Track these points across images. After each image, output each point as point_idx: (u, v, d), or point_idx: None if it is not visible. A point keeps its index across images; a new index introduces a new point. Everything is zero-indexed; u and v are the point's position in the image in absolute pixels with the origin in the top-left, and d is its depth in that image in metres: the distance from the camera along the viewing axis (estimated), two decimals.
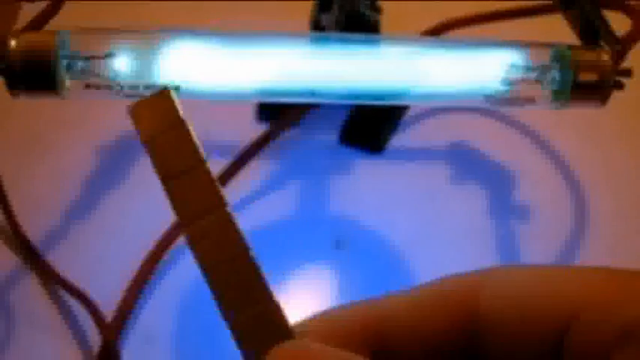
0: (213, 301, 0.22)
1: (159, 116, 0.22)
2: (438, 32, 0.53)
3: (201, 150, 0.22)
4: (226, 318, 0.21)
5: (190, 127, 0.22)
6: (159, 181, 0.22)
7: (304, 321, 0.22)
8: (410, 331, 0.21)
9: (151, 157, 0.22)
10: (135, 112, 0.22)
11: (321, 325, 0.22)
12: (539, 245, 0.52)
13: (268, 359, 0.20)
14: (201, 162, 0.22)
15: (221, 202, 0.22)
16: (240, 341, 0.21)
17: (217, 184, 0.22)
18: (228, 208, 0.22)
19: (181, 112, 0.22)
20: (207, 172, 0.22)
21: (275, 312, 0.21)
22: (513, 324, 0.20)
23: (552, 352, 0.19)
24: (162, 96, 0.22)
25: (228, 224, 0.22)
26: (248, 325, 0.21)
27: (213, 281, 0.21)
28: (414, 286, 0.22)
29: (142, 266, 0.49)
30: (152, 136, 0.22)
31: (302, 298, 0.49)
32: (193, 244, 0.21)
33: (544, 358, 0.20)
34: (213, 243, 0.21)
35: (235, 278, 0.21)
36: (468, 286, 0.22)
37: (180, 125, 0.22)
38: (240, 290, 0.21)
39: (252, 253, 0.21)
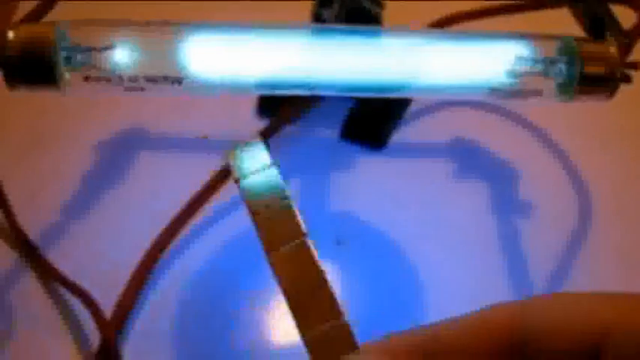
0: (292, 319, 0.24)
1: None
2: (443, 26, 0.53)
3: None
4: (301, 332, 0.24)
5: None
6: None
7: (365, 343, 0.24)
8: (456, 354, 0.23)
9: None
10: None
11: (383, 344, 0.24)
12: (542, 241, 0.52)
13: None
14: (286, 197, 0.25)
15: (301, 232, 0.25)
16: (312, 354, 0.23)
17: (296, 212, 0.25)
18: (306, 236, 0.25)
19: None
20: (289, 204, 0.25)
21: (346, 330, 0.23)
22: (552, 346, 0.22)
23: None
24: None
25: (307, 248, 0.24)
26: (320, 339, 0.23)
27: (291, 300, 0.24)
28: (462, 315, 0.24)
29: (141, 264, 0.49)
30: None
31: None
32: (275, 267, 0.24)
33: None
34: (292, 265, 0.24)
35: (311, 297, 0.24)
36: (512, 314, 0.23)
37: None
38: (315, 308, 0.24)
39: (326, 274, 0.24)
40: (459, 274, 0.50)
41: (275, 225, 0.24)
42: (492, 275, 0.50)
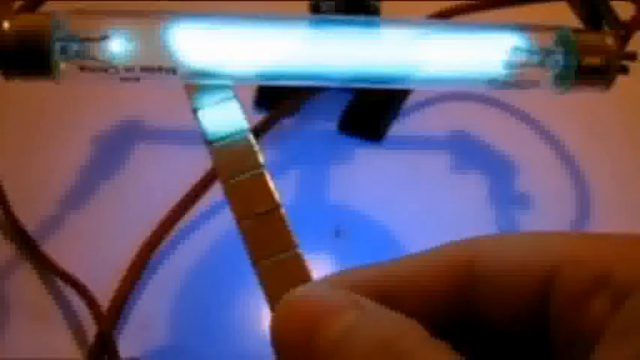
0: (244, 248, 0.24)
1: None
2: (440, 18, 0.53)
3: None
4: (254, 261, 0.24)
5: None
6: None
7: (317, 280, 0.24)
8: (412, 289, 0.23)
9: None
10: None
11: (334, 280, 0.24)
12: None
13: (284, 299, 0.22)
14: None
15: (258, 165, 0.25)
16: (264, 282, 0.24)
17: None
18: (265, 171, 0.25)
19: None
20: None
21: (298, 260, 0.24)
22: (504, 281, 0.22)
23: (539, 306, 0.21)
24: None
25: (263, 181, 0.25)
26: (273, 269, 0.24)
27: (245, 229, 0.24)
28: (418, 251, 0.24)
29: (137, 256, 0.49)
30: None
31: None
32: (231, 196, 0.25)
33: (532, 312, 0.22)
34: (246, 195, 0.24)
35: (265, 228, 0.24)
36: (464, 248, 0.23)
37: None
38: (270, 239, 0.24)
39: (282, 206, 0.25)
40: None
41: (232, 159, 0.25)
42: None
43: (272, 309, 0.23)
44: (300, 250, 0.24)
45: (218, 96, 0.30)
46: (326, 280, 0.24)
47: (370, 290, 0.23)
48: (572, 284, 0.21)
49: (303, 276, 0.24)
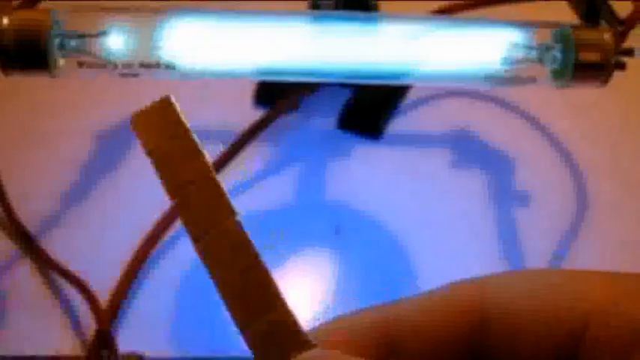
0: (227, 312, 0.21)
1: (162, 126, 0.22)
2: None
3: (208, 158, 0.22)
4: (240, 328, 0.21)
5: (194, 135, 0.22)
6: (165, 192, 0.22)
7: (318, 327, 0.22)
8: (419, 336, 0.22)
9: (156, 168, 0.22)
10: (137, 122, 0.22)
11: (335, 332, 0.22)
12: (539, 231, 0.52)
13: None
14: (208, 172, 0.22)
15: (230, 213, 0.21)
16: (256, 351, 0.21)
17: (226, 193, 0.22)
18: (238, 218, 0.21)
19: (185, 121, 0.22)
20: (216, 183, 0.22)
21: (289, 320, 0.21)
22: (518, 328, 0.21)
23: (568, 354, 0.20)
24: (164, 104, 0.22)
25: (238, 234, 0.21)
26: (262, 334, 0.21)
27: (225, 292, 0.21)
28: (423, 293, 0.22)
29: (137, 252, 0.49)
30: (156, 147, 0.22)
31: (301, 285, 0.49)
32: (205, 255, 0.21)
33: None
34: (224, 254, 0.21)
35: (248, 288, 0.21)
36: (475, 291, 0.22)
37: (184, 135, 0.22)
38: (253, 299, 0.21)
39: (264, 262, 0.21)
40: (457, 263, 0.50)
41: (200, 206, 0.22)
42: (490, 264, 0.50)
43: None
44: (290, 308, 0.21)
45: None
46: (332, 330, 0.22)
47: (377, 338, 0.22)
48: (608, 339, 0.19)
49: (298, 338, 0.21)
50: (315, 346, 0.21)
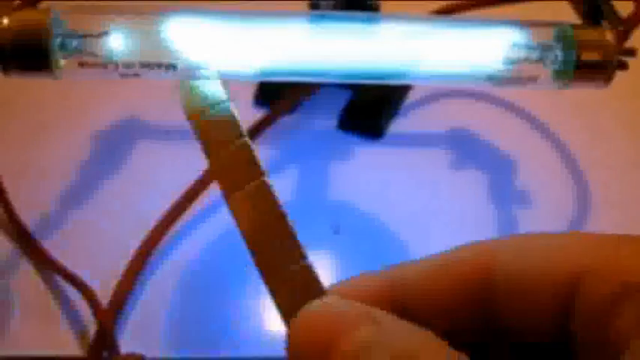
0: (251, 262, 0.23)
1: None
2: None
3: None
4: (263, 276, 0.23)
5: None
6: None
7: (331, 285, 0.24)
8: (427, 296, 0.23)
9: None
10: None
11: (346, 288, 0.23)
12: (540, 230, 0.52)
13: (301, 313, 0.22)
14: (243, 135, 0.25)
15: (260, 173, 0.24)
16: (277, 299, 0.23)
17: (257, 157, 0.24)
18: (266, 178, 0.24)
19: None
20: (250, 147, 0.24)
21: (308, 272, 0.23)
22: (523, 288, 0.21)
23: (561, 314, 0.21)
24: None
25: (266, 191, 0.24)
26: (285, 282, 0.23)
27: (251, 242, 0.23)
28: (429, 256, 0.24)
29: (138, 252, 0.49)
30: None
31: None
32: (234, 209, 0.24)
33: (555, 322, 0.21)
34: (252, 208, 0.24)
35: (273, 240, 0.23)
36: (481, 254, 0.23)
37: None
38: (277, 251, 0.23)
39: (289, 218, 0.24)
40: None
41: (232, 166, 0.24)
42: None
43: (285, 325, 0.23)
44: (310, 261, 0.23)
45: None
46: (342, 288, 0.23)
47: (385, 299, 0.23)
48: (597, 293, 0.20)
49: (315, 288, 0.23)
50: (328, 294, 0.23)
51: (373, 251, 0.51)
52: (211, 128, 0.25)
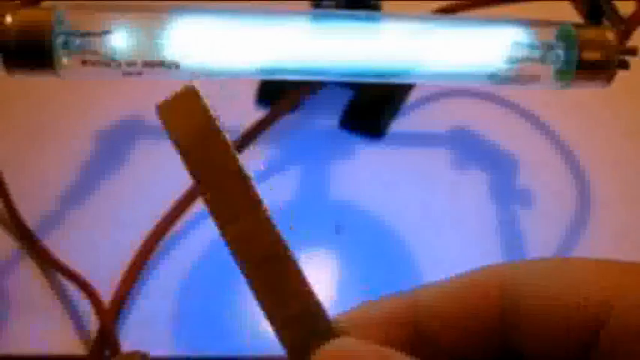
0: (256, 302, 0.22)
1: (187, 114, 0.22)
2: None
3: (235, 153, 0.22)
4: (269, 317, 0.22)
5: (219, 123, 0.22)
6: (192, 181, 0.22)
7: (342, 315, 0.23)
8: (445, 322, 0.22)
9: (182, 158, 0.22)
10: (163, 111, 0.22)
11: (360, 321, 0.22)
12: (541, 230, 0.52)
13: (317, 352, 0.21)
14: (235, 164, 0.22)
15: (258, 203, 0.22)
16: (284, 340, 0.21)
17: (253, 184, 0.22)
18: (265, 209, 0.22)
19: (210, 109, 0.22)
20: (244, 175, 0.22)
21: (317, 309, 0.21)
22: (545, 316, 0.21)
23: (585, 344, 0.20)
24: (188, 93, 0.22)
25: (266, 224, 0.22)
26: (290, 322, 0.21)
27: (254, 281, 0.22)
28: (449, 279, 0.23)
29: (140, 251, 0.49)
30: (183, 136, 0.22)
31: None
32: (233, 246, 0.22)
33: (577, 350, 0.20)
34: (252, 243, 0.22)
35: (276, 277, 0.22)
36: (499, 276, 0.22)
37: (209, 123, 0.22)
38: (281, 289, 0.22)
39: (292, 251, 0.22)
40: (458, 262, 0.50)
41: (227, 196, 0.22)
42: (493, 262, 0.50)
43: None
44: (318, 299, 0.22)
45: None
46: (356, 320, 0.23)
47: (403, 325, 0.22)
48: (628, 324, 0.19)
49: (325, 326, 0.22)
50: (341, 334, 0.21)
51: (375, 251, 0.51)
52: (202, 155, 0.23)
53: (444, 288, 0.23)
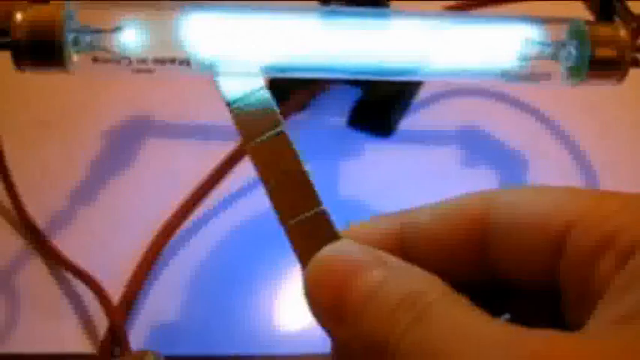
0: (272, 209, 0.25)
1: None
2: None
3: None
4: (282, 222, 0.25)
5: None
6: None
7: (345, 229, 0.26)
8: (429, 238, 0.24)
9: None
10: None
11: (359, 232, 0.25)
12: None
13: (317, 257, 0.24)
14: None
15: (278, 123, 0.26)
16: (295, 241, 0.24)
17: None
18: (285, 130, 0.26)
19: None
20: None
21: (323, 217, 0.25)
22: (517, 237, 0.23)
23: (552, 263, 0.22)
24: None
25: (284, 142, 0.26)
26: (302, 228, 0.24)
27: (271, 189, 0.25)
28: (436, 202, 0.26)
29: (148, 249, 0.49)
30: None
31: None
32: (256, 158, 0.25)
33: (546, 269, 0.22)
34: (272, 157, 0.25)
35: (291, 188, 0.25)
36: (480, 203, 0.24)
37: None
38: (295, 198, 0.25)
39: (306, 166, 0.25)
40: None
41: (253, 119, 0.26)
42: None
43: (302, 268, 0.24)
44: (325, 207, 0.25)
45: None
46: (356, 232, 0.25)
47: (392, 244, 0.25)
48: (582, 243, 0.21)
49: (330, 233, 0.25)
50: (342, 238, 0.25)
51: None
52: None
53: (430, 209, 0.25)
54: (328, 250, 0.24)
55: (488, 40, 0.36)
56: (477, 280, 0.24)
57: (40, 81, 0.49)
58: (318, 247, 0.24)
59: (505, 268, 0.24)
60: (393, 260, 0.23)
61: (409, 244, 0.25)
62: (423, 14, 0.36)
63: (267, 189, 0.25)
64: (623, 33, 0.37)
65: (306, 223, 0.25)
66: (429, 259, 0.24)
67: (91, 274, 0.47)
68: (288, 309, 0.47)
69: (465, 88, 0.59)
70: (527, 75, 0.36)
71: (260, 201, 0.50)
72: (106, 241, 0.50)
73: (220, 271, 0.49)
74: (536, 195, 0.24)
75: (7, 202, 0.50)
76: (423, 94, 0.58)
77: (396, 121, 0.57)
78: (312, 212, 0.25)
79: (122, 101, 0.56)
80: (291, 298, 0.47)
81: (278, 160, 0.25)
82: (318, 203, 0.25)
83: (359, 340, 0.22)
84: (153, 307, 0.47)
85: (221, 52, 0.33)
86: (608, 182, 0.55)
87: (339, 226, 0.25)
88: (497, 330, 0.20)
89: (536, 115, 0.58)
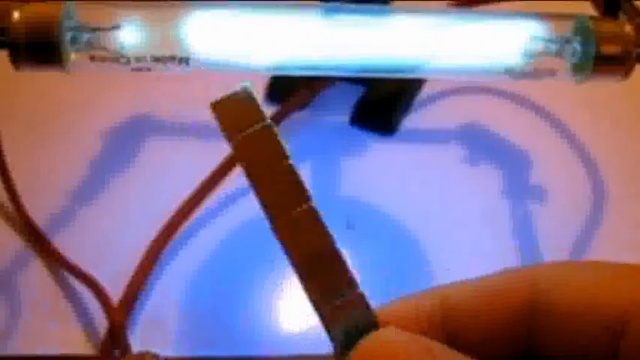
0: (304, 293, 0.23)
1: (242, 114, 0.24)
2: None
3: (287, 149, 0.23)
4: (316, 308, 0.22)
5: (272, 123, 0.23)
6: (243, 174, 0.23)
7: (381, 309, 0.23)
8: (472, 319, 0.23)
9: (235, 153, 0.24)
10: (217, 109, 0.24)
11: (398, 313, 0.23)
12: (554, 226, 0.52)
13: (359, 348, 0.22)
14: (286, 159, 0.23)
15: (307, 197, 0.23)
16: (330, 329, 0.22)
17: (303, 181, 0.23)
18: (314, 203, 0.23)
19: (263, 110, 0.24)
20: (293, 171, 0.23)
21: (360, 300, 0.22)
22: (569, 321, 0.21)
23: (608, 349, 0.21)
24: (243, 94, 0.24)
25: (313, 217, 0.23)
26: (336, 314, 0.22)
27: (302, 272, 0.23)
28: (479, 278, 0.23)
29: (149, 249, 0.48)
30: (236, 134, 0.24)
31: None
32: (282, 235, 0.23)
33: (600, 353, 0.21)
34: (301, 234, 0.23)
35: (323, 269, 0.23)
36: (528, 279, 0.23)
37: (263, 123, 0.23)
38: (329, 281, 0.23)
39: (336, 244, 0.23)
40: (470, 259, 0.49)
41: (278, 188, 0.23)
42: (505, 260, 0.49)
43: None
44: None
45: None
46: (394, 314, 0.23)
47: (434, 325, 0.23)
48: None
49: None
50: (384, 325, 0.22)
51: (386, 246, 0.51)
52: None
53: (474, 286, 0.23)
54: (373, 341, 0.22)
55: (493, 37, 0.35)
56: (519, 353, 0.23)
57: (40, 80, 0.49)
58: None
59: (553, 346, 0.22)
60: (439, 349, 0.22)
61: (449, 322, 0.23)
62: (426, 11, 0.35)
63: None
64: (628, 29, 0.36)
65: (342, 307, 0.23)
66: (472, 339, 0.23)
67: (91, 275, 0.47)
68: (289, 310, 0.47)
69: (467, 86, 0.58)
70: (532, 71, 0.36)
71: None
72: (107, 242, 0.49)
73: (221, 271, 0.48)
74: (589, 274, 0.22)
75: (7, 202, 0.50)
76: (425, 92, 0.58)
77: (399, 120, 0.56)
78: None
79: (122, 101, 0.56)
80: (291, 299, 0.47)
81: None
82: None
83: None
84: (153, 308, 0.47)
85: (221, 50, 0.33)
86: (613, 180, 0.54)
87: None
88: None
89: (540, 113, 0.58)
